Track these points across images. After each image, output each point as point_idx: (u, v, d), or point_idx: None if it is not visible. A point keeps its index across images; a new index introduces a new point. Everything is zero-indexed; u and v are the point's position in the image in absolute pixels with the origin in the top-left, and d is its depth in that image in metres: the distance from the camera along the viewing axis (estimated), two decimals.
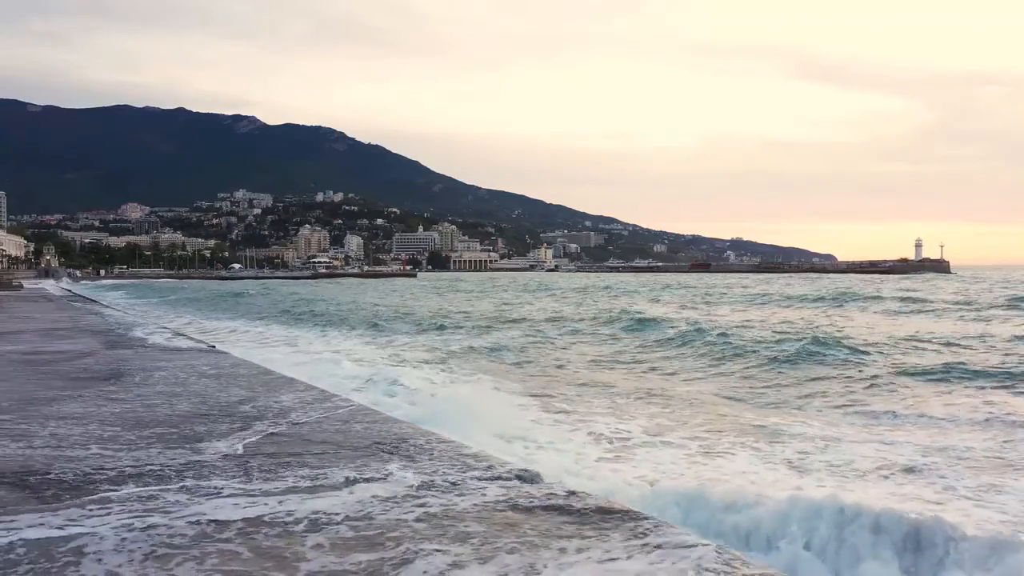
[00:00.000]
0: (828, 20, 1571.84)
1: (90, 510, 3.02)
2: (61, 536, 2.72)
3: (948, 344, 22.42)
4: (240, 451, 4.04)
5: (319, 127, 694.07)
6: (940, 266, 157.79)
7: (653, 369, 19.35)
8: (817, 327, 27.86)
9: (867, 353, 20.19)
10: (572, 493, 3.20)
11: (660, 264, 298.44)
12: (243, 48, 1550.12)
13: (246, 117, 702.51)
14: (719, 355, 21.12)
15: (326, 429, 4.59)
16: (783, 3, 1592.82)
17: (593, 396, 14.20)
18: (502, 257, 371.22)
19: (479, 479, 3.43)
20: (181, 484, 3.38)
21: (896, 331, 26.41)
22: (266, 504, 3.09)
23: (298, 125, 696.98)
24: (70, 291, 60.54)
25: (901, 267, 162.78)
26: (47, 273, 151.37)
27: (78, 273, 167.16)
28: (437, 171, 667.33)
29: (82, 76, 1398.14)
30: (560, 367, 19.70)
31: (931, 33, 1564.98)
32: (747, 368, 18.89)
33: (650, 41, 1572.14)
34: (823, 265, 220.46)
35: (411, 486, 3.31)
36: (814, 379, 16.86)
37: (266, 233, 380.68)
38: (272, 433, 4.49)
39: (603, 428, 10.82)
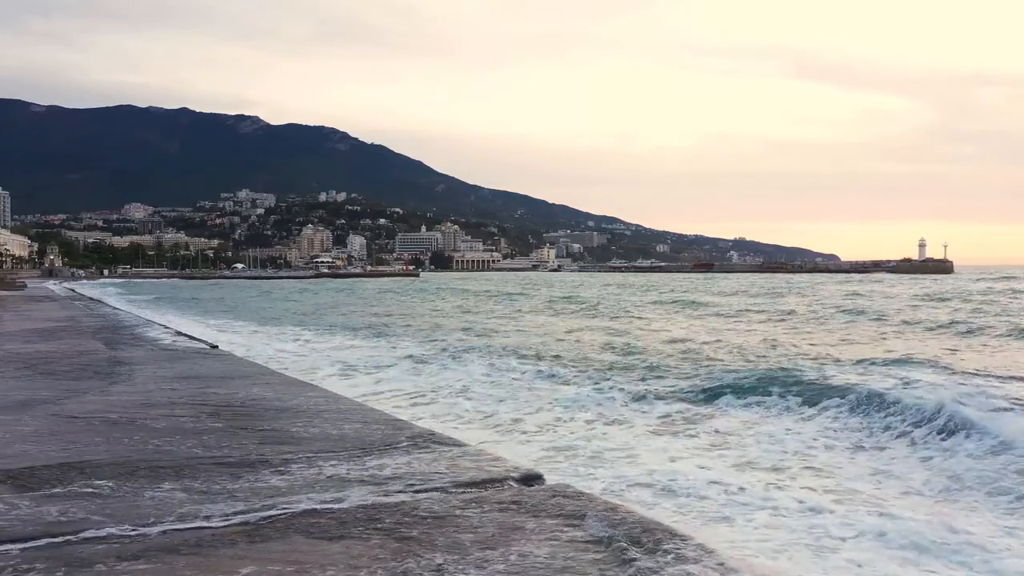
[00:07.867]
0: (828, 20, 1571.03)
1: None
2: None
3: None
4: None
5: (322, 127, 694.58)
6: (943, 266, 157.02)
7: None
8: None
9: None
10: None
11: (663, 264, 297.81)
12: (246, 48, 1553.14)
13: (249, 117, 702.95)
14: None
15: None
16: (783, 3, 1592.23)
17: None
18: (505, 257, 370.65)
19: None
20: None
21: None
22: None
23: (301, 125, 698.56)
24: (73, 291, 60.69)
25: (904, 267, 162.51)
26: (51, 273, 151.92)
27: (81, 273, 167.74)
28: (440, 171, 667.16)
29: (85, 76, 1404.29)
30: None
31: (931, 33, 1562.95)
32: None
33: (651, 41, 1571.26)
34: (826, 265, 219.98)
35: None
36: None
37: (269, 233, 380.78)
38: None
39: None
